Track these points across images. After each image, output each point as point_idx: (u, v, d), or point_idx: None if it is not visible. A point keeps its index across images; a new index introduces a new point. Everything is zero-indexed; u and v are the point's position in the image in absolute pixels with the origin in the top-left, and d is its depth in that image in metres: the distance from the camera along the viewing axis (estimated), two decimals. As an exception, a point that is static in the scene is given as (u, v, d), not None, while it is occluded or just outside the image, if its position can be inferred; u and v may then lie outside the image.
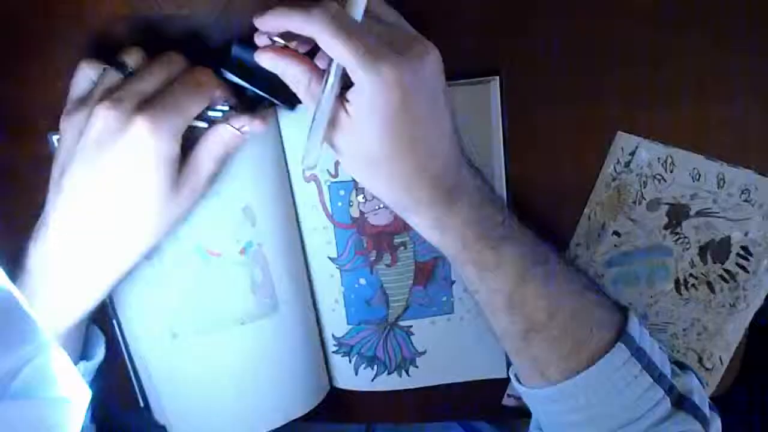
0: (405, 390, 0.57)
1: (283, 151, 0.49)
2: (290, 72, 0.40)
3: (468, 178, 0.43)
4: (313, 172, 0.49)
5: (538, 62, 0.49)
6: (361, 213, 0.51)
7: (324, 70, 0.39)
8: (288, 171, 0.49)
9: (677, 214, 0.53)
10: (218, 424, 0.53)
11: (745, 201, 0.53)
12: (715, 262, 0.55)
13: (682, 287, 0.56)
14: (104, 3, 0.46)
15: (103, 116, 0.40)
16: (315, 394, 0.55)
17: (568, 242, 0.54)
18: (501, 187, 0.51)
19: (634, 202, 0.53)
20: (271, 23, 0.39)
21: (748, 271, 0.55)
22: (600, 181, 0.52)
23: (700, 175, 0.52)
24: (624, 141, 0.51)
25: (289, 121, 0.48)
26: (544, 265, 0.45)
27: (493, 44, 0.49)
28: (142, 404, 0.54)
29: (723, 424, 0.47)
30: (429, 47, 0.39)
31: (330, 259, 0.52)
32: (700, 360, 0.58)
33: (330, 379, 0.57)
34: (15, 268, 0.45)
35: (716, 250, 0.54)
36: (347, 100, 0.39)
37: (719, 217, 0.53)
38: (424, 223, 0.43)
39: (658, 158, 0.52)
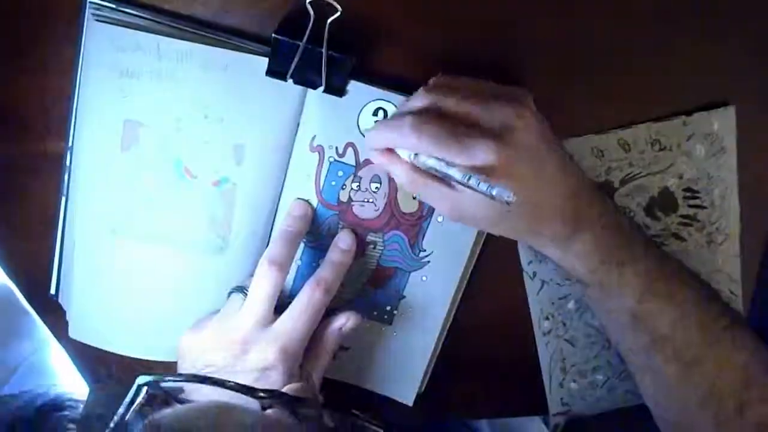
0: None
1: (299, 117, 0.48)
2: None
3: (590, 208, 0.46)
4: (320, 144, 0.49)
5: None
6: (350, 199, 0.51)
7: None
8: (295, 136, 0.49)
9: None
10: (114, 332, 0.53)
11: (660, 150, 0.52)
12: (667, 215, 0.54)
13: (652, 250, 0.55)
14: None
15: None
16: None
17: (519, 265, 0.55)
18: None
19: (557, 204, 0.53)
20: (375, 143, 0.45)
21: (705, 207, 0.53)
22: (513, 203, 0.53)
23: (602, 151, 0.52)
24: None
25: (313, 96, 0.48)
26: (668, 280, 0.48)
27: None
28: (53, 292, 0.53)
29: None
30: (519, 114, 0.41)
31: None
32: (712, 302, 0.56)
33: None
34: (14, 266, 0.46)
35: (661, 203, 0.53)
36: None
37: (644, 176, 0.52)
38: (550, 255, 0.48)
39: (554, 157, 0.52)
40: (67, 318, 0.53)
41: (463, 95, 0.42)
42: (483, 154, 0.40)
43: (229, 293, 0.50)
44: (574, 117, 0.51)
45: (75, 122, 0.48)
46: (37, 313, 0.53)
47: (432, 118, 0.41)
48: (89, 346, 0.54)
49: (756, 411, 0.46)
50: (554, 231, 0.45)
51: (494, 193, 0.37)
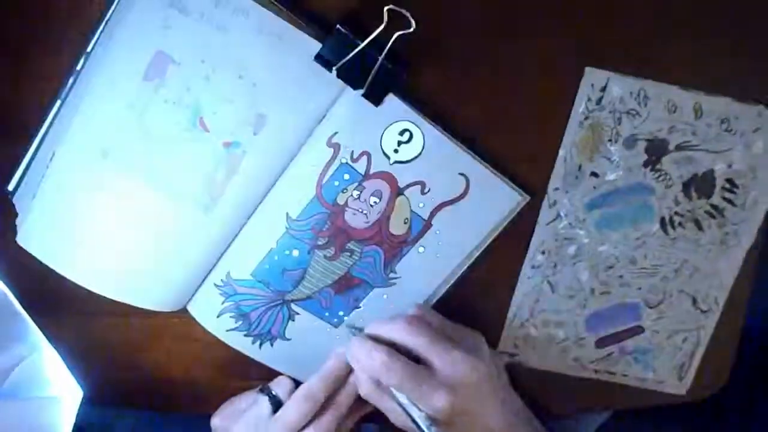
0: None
1: (328, 109, 0.48)
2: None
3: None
4: (338, 141, 0.49)
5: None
6: (346, 203, 0.51)
7: None
8: (317, 126, 0.49)
9: (656, 150, 0.51)
10: (69, 255, 0.51)
11: (726, 131, 0.51)
12: (700, 198, 0.53)
13: (669, 227, 0.54)
14: (100, 2, 0.45)
15: None
16: (178, 303, 0.55)
17: (546, 188, 0.53)
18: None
19: (610, 141, 0.51)
20: (353, 355, 0.50)
21: (735, 205, 0.53)
22: (572, 120, 0.51)
23: (676, 107, 0.50)
24: (594, 76, 0.49)
25: (349, 95, 0.48)
26: None
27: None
28: (11, 188, 0.51)
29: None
30: (475, 367, 0.48)
31: (287, 215, 0.51)
32: (695, 302, 0.56)
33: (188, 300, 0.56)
34: (7, 268, 0.46)
35: (700, 184, 0.53)
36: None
37: (700, 149, 0.52)
38: None
39: (631, 92, 0.50)
40: (17, 222, 0.51)
41: (432, 338, 0.48)
42: (438, 403, 0.47)
43: (258, 394, 0.55)
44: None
45: (102, 31, 0.46)
46: (30, 315, 0.52)
47: (402, 358, 0.48)
48: (82, 349, 0.55)
49: None
50: None
51: None
